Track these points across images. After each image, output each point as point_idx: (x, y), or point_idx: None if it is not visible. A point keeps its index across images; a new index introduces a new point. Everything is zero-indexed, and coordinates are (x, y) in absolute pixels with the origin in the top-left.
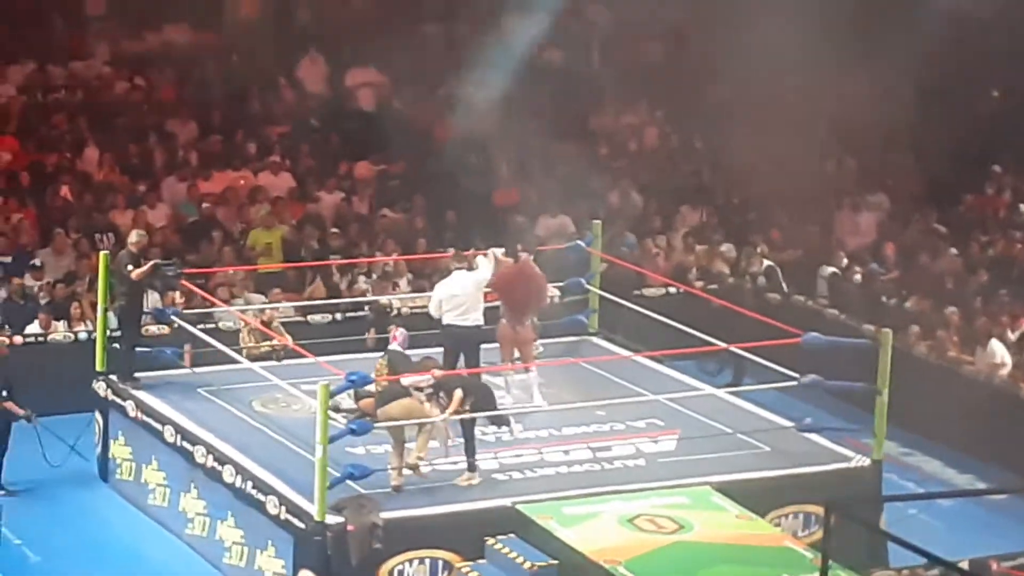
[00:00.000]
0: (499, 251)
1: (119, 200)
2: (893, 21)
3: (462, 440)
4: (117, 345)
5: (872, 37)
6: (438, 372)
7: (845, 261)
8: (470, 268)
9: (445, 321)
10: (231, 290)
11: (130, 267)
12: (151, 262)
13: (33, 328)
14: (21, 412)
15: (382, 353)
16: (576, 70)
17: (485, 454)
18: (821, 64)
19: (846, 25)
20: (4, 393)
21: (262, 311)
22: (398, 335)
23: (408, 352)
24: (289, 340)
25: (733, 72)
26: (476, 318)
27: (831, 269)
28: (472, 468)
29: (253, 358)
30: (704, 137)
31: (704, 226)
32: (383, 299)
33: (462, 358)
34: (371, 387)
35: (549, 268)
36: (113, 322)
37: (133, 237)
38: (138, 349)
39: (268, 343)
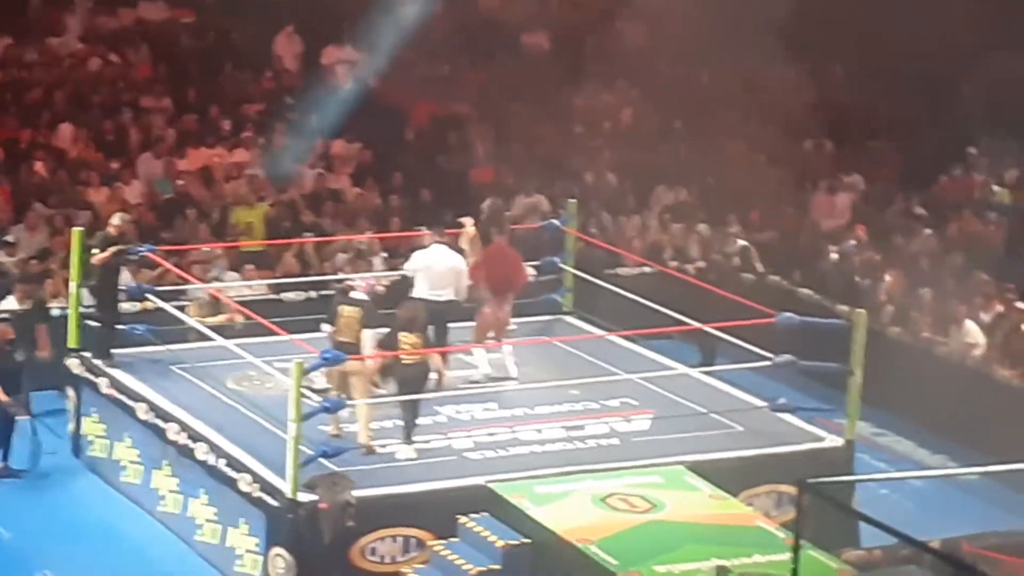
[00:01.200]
0: (469, 221)
1: (93, 177)
2: (875, 8)
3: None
4: (93, 322)
5: (849, 21)
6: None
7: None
8: (450, 245)
9: (416, 293)
10: (203, 267)
11: (95, 250)
12: (115, 248)
13: (9, 303)
14: (5, 400)
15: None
16: (553, 49)
17: (458, 433)
18: (797, 47)
19: (823, 8)
20: None
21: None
22: (365, 284)
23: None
24: (238, 314)
25: (710, 53)
26: (448, 295)
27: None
28: (408, 441)
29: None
30: (681, 117)
31: (679, 206)
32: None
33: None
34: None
35: (523, 247)
36: (86, 298)
37: (115, 220)
38: (117, 326)
39: (219, 316)
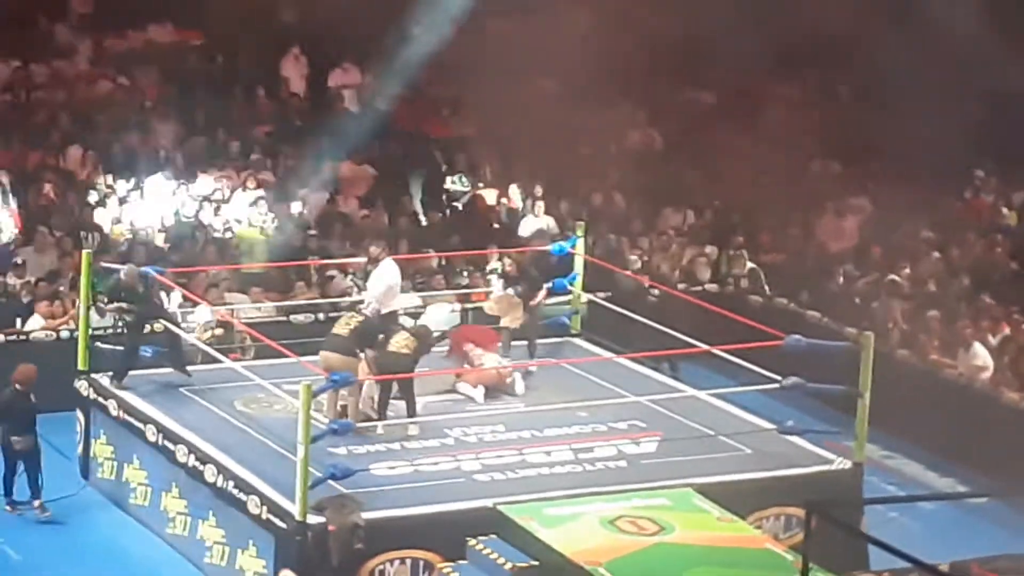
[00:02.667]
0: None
1: (103, 199)
2: (876, 28)
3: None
4: (116, 347)
5: (859, 44)
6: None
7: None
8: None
9: (391, 308)
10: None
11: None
12: (117, 306)
13: (31, 324)
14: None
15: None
16: (559, 69)
17: (467, 454)
18: (803, 69)
19: (831, 32)
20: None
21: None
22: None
23: None
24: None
25: (716, 75)
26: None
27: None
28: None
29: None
30: (687, 139)
31: (687, 228)
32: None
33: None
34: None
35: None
36: (95, 320)
37: (125, 270)
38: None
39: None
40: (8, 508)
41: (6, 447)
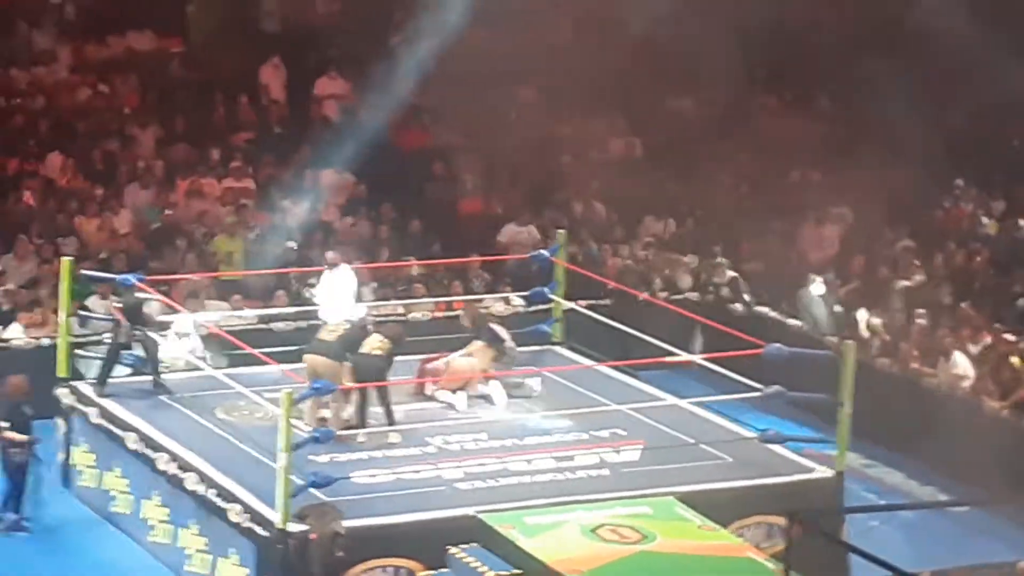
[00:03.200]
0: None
1: (82, 206)
2: (862, 41)
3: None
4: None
5: (839, 54)
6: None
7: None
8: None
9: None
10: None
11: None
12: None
13: (14, 330)
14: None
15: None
16: (539, 78)
17: (448, 463)
18: (784, 79)
19: (812, 42)
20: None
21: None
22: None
23: None
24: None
25: (697, 83)
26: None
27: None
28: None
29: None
30: (668, 147)
31: (668, 236)
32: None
33: None
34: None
35: (513, 277)
36: (76, 328)
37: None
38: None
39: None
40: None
41: (6, 461)
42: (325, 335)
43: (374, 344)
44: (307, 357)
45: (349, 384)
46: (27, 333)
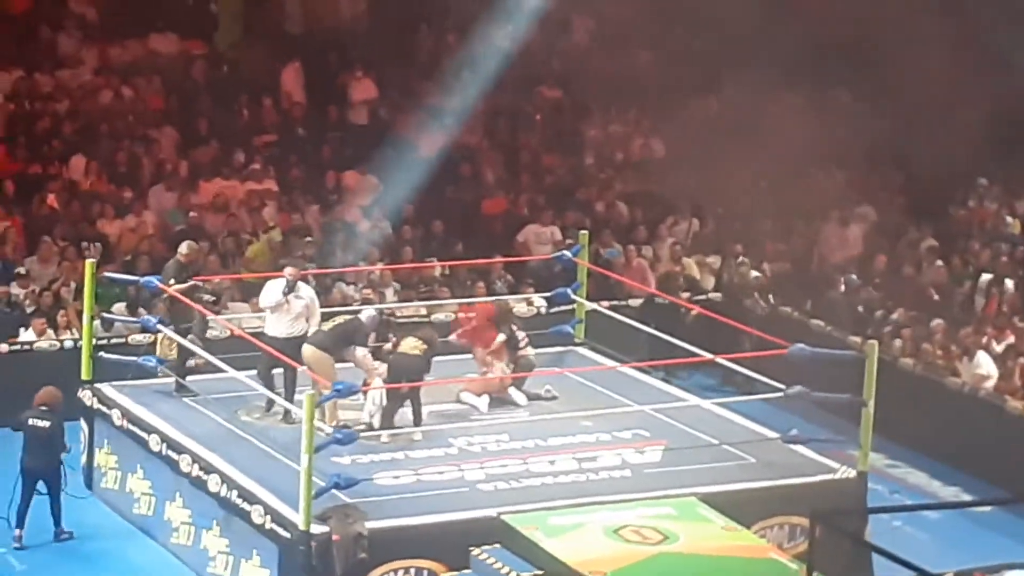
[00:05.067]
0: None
1: (106, 209)
2: (883, 38)
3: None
4: (122, 356)
5: (861, 53)
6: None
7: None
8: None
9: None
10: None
11: (172, 280)
12: (189, 284)
13: (28, 335)
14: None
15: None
16: (563, 79)
17: (471, 464)
18: (809, 78)
19: (834, 41)
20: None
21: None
22: (366, 316)
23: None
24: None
25: (720, 83)
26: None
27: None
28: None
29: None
30: (692, 148)
31: (691, 237)
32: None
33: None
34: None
35: (536, 277)
36: (99, 331)
37: (183, 248)
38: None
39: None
40: (16, 542)
41: (23, 471)
42: (325, 325)
43: (411, 345)
44: (303, 347)
45: (368, 383)
46: (44, 337)
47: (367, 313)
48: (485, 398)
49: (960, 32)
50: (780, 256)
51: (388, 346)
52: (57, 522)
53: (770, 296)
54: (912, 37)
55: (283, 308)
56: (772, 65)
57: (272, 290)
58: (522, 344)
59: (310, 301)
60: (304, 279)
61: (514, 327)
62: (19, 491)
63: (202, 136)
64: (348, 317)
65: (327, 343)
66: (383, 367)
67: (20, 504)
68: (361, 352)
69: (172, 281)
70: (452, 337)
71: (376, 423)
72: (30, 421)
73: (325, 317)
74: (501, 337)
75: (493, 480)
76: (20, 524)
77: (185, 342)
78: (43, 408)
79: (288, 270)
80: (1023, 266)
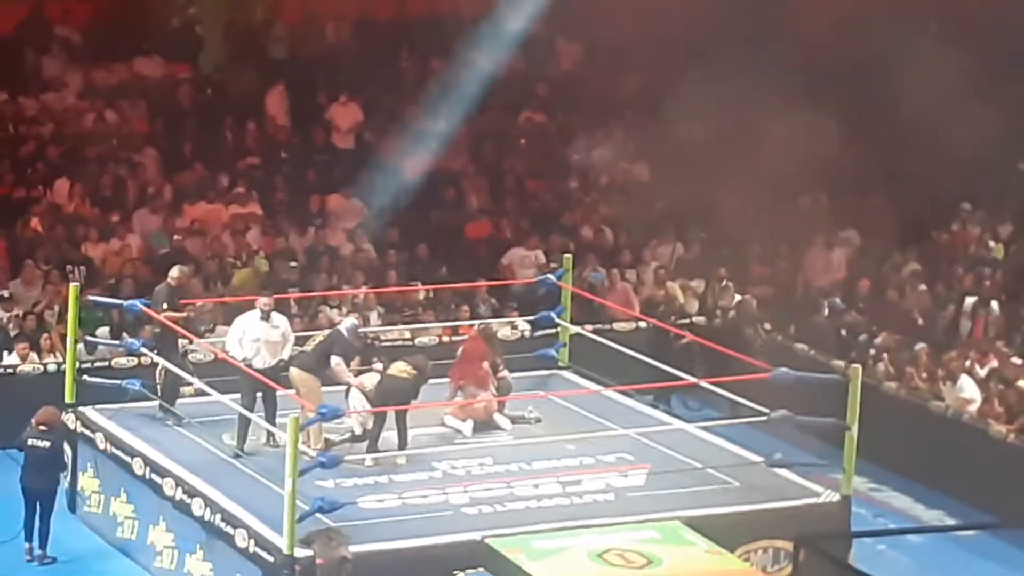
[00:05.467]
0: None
1: (90, 232)
2: (865, 64)
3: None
4: (105, 380)
5: (847, 78)
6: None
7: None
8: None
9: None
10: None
11: (165, 305)
12: (182, 314)
13: (11, 359)
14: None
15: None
16: (549, 104)
17: (454, 488)
18: (794, 103)
19: (819, 66)
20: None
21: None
22: (346, 324)
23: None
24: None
25: (705, 108)
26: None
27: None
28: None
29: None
30: (676, 172)
31: (675, 260)
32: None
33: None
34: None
35: (519, 301)
36: (83, 354)
37: (175, 272)
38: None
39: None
40: (28, 556)
41: (24, 490)
42: (307, 346)
43: (400, 368)
44: (291, 370)
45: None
46: (27, 361)
47: (346, 324)
48: (470, 422)
49: (945, 58)
50: (764, 280)
51: (378, 365)
52: (43, 544)
53: (766, 324)
54: (897, 63)
55: (261, 340)
56: (757, 90)
57: (247, 324)
58: (501, 367)
59: (285, 329)
60: (276, 308)
61: (497, 355)
62: (25, 508)
63: (187, 159)
64: (328, 332)
65: (311, 364)
66: (364, 379)
67: (26, 519)
68: (335, 361)
69: (165, 306)
70: (448, 383)
71: (358, 430)
72: (29, 441)
73: (300, 341)
74: (485, 365)
75: (477, 504)
76: (29, 538)
77: (174, 368)
78: (42, 428)
79: (262, 300)
80: (1005, 290)
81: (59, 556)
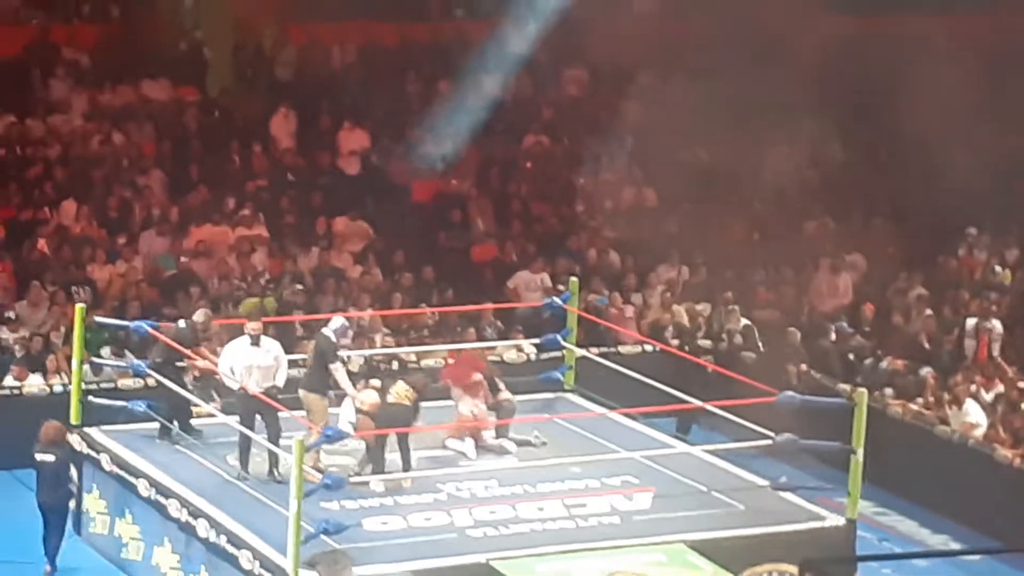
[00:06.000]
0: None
1: (96, 253)
2: (872, 86)
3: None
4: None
5: (850, 102)
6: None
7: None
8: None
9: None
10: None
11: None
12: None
13: (8, 381)
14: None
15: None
16: (554, 128)
17: (459, 510)
18: (799, 127)
19: (825, 89)
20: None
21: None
22: (334, 325)
23: None
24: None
25: (711, 133)
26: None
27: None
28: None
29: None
30: (682, 197)
31: (681, 284)
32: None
33: None
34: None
35: (525, 324)
36: (89, 375)
37: (200, 317)
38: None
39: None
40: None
41: (40, 505)
42: (308, 363)
43: (401, 394)
44: (300, 392)
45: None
46: (28, 382)
47: (333, 324)
48: (470, 442)
49: (951, 83)
50: (770, 304)
51: (376, 382)
52: (51, 561)
53: (760, 344)
54: (903, 88)
55: (253, 366)
56: (762, 114)
57: (235, 350)
58: (502, 388)
59: (278, 354)
60: (283, 331)
61: (493, 374)
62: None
63: (193, 181)
64: (314, 341)
65: (315, 383)
66: (363, 395)
67: (45, 534)
68: (334, 368)
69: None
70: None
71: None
72: (37, 456)
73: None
74: (477, 376)
75: (482, 526)
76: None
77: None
78: (47, 443)
79: (250, 325)
80: (1011, 316)
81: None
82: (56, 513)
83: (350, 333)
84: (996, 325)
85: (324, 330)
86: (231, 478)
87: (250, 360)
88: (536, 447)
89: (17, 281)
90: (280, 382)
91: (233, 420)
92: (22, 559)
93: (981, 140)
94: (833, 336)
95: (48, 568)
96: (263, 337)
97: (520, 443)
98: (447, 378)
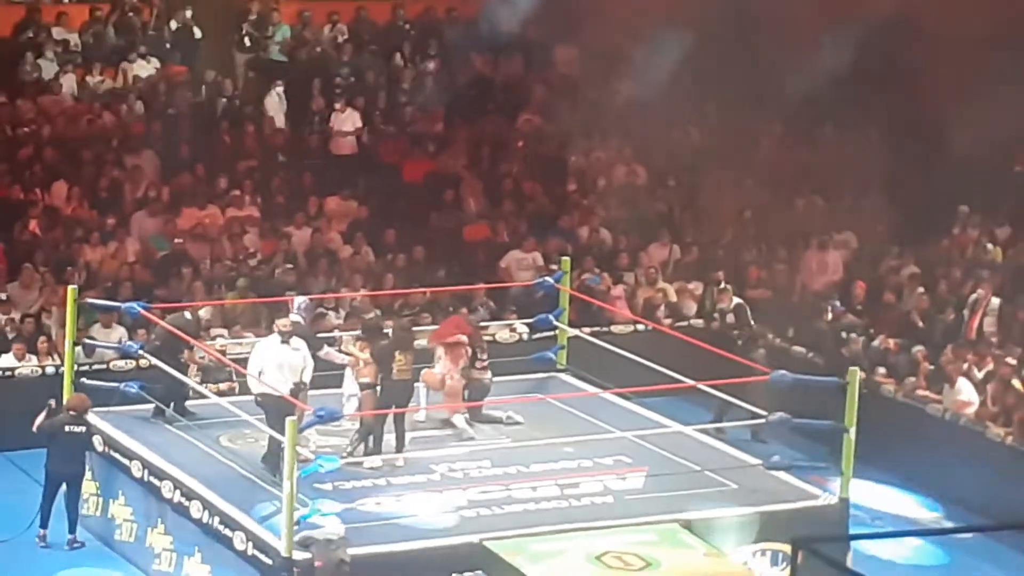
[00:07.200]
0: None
1: (88, 235)
2: (866, 68)
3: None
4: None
5: (844, 83)
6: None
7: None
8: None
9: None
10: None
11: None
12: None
13: (8, 360)
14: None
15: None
16: (546, 107)
17: (453, 490)
18: (790, 106)
19: (814, 69)
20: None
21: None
22: (298, 303)
23: None
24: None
25: (701, 111)
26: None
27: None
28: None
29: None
30: (673, 175)
31: (673, 263)
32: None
33: None
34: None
35: (518, 304)
36: (81, 356)
37: (204, 314)
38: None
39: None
40: (41, 543)
41: (50, 475)
42: None
43: (400, 364)
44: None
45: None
46: (25, 363)
47: (296, 304)
48: (459, 416)
49: (943, 62)
50: (762, 283)
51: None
52: (72, 529)
53: (752, 322)
54: (895, 67)
55: (285, 365)
56: (753, 93)
57: (267, 349)
58: (479, 366)
59: (305, 352)
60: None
61: (478, 343)
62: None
63: (184, 162)
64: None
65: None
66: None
67: (43, 505)
68: (324, 352)
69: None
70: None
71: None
72: (66, 428)
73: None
74: (462, 337)
75: (475, 506)
76: (44, 524)
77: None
78: (74, 414)
79: (280, 322)
80: (1003, 293)
81: (57, 559)
82: (77, 485)
83: (313, 308)
84: (994, 301)
85: (290, 315)
86: (225, 459)
87: (281, 358)
88: (507, 425)
89: (8, 262)
90: (307, 379)
91: (225, 401)
92: (13, 535)
93: (972, 117)
94: (829, 315)
95: (43, 532)
96: (292, 337)
97: (491, 420)
98: (433, 339)
